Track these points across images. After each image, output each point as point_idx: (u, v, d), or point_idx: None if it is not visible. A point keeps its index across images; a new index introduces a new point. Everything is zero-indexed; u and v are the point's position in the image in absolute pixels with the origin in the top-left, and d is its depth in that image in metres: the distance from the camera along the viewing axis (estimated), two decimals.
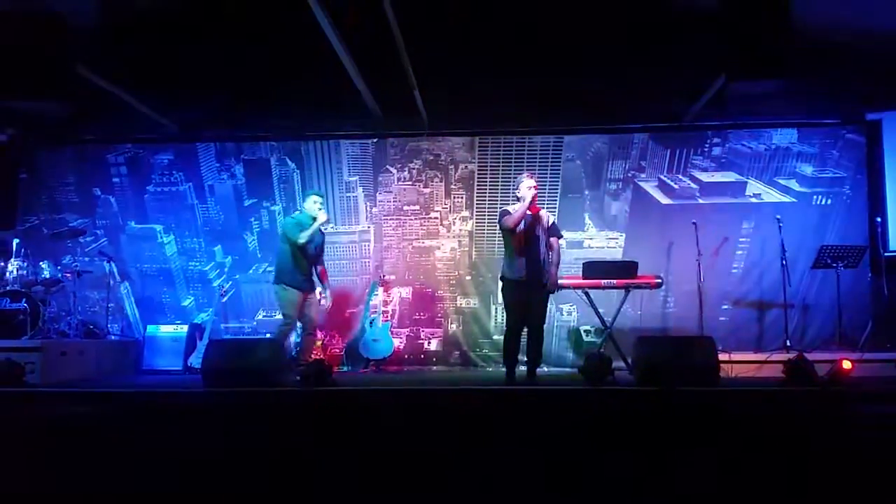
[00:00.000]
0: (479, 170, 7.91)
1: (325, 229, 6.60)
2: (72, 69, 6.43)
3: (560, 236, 6.03)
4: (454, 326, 7.85)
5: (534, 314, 5.84)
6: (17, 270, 6.80)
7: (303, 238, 6.10)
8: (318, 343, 7.28)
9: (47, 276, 6.85)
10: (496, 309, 7.81)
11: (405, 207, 7.97)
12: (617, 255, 7.72)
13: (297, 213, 6.68)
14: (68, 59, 6.30)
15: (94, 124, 7.94)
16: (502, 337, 7.57)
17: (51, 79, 6.61)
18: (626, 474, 3.86)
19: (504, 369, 6.03)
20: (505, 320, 6.12)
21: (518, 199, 5.84)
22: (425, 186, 7.97)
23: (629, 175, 7.82)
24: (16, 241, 7.16)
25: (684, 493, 3.76)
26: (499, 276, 6.09)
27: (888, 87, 7.04)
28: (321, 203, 6.36)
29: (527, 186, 5.75)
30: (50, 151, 8.21)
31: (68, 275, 7.10)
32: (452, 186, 7.96)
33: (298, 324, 6.40)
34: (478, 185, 7.91)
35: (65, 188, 8.17)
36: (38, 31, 6.04)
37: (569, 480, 3.83)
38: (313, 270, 6.42)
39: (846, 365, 5.46)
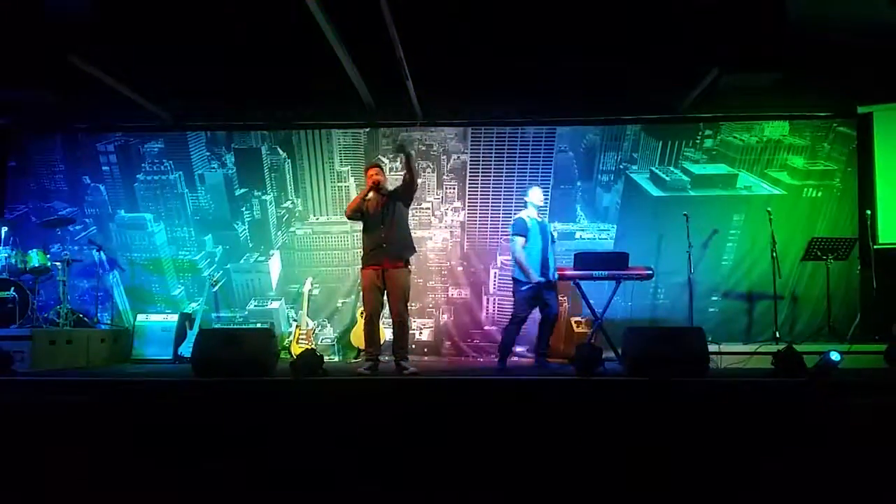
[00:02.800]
0: (471, 160, 7.89)
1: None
2: (62, 58, 6.38)
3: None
4: (445, 317, 7.86)
5: (552, 306, 6.46)
6: (6, 259, 6.76)
7: (347, 210, 5.75)
8: (310, 332, 7.28)
9: (36, 264, 6.81)
10: (487, 300, 7.82)
11: None
12: (608, 246, 7.74)
13: None
14: (59, 48, 6.25)
15: (84, 112, 7.88)
16: (494, 327, 7.66)
17: (41, 67, 6.57)
18: (615, 464, 3.88)
19: (492, 360, 6.09)
20: (514, 312, 6.46)
21: (526, 204, 6.58)
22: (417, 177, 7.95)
23: (621, 167, 7.83)
24: (4, 229, 7.10)
25: (675, 483, 3.78)
26: (512, 276, 6.50)
27: (879, 80, 7.06)
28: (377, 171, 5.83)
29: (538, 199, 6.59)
30: (39, 139, 8.16)
31: (57, 263, 7.05)
32: (444, 177, 7.95)
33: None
34: (470, 176, 7.90)
35: (54, 176, 8.13)
36: (29, 20, 5.98)
37: (559, 470, 3.85)
38: (388, 243, 5.64)
39: (835, 356, 5.51)
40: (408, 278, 5.77)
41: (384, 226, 5.66)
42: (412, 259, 5.93)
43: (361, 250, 5.84)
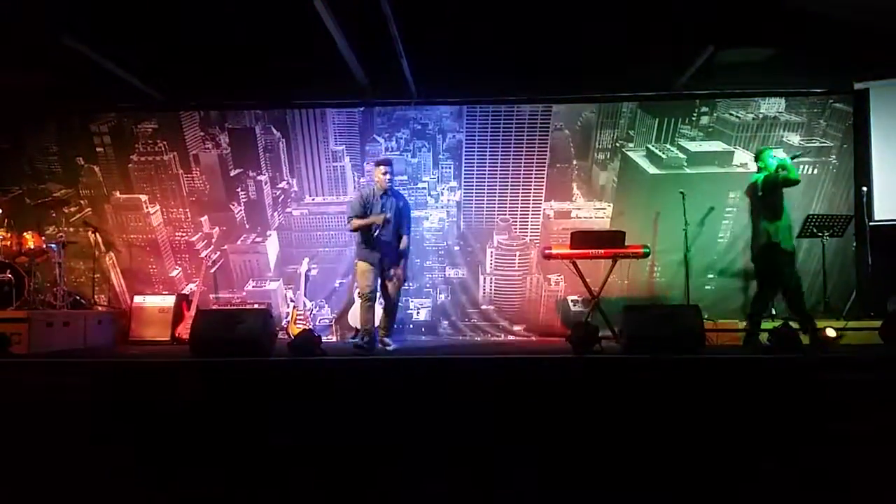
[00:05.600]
0: (467, 139, 7.86)
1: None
2: (54, 37, 6.31)
3: None
4: (443, 296, 7.87)
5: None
6: (1, 241, 6.73)
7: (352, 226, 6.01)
8: (307, 313, 7.30)
9: (31, 246, 6.79)
10: (484, 279, 7.83)
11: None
12: (604, 224, 7.74)
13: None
14: (50, 28, 6.18)
15: (77, 93, 7.80)
16: (491, 307, 7.71)
17: (33, 47, 6.49)
18: (610, 440, 3.91)
19: (489, 339, 6.08)
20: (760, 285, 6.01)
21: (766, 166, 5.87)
22: (413, 156, 7.92)
23: (617, 145, 7.81)
24: None
25: (670, 459, 3.82)
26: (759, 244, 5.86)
27: (876, 56, 7.03)
28: (384, 171, 5.99)
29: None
30: (32, 120, 8.07)
31: (53, 245, 7.03)
32: (440, 156, 7.92)
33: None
34: (466, 155, 7.87)
35: (47, 157, 8.07)
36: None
37: (557, 447, 3.88)
38: (394, 242, 6.01)
39: (830, 333, 5.54)
40: (403, 267, 6.08)
41: (383, 227, 5.90)
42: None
43: (356, 239, 6.09)
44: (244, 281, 7.98)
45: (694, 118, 7.75)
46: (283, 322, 7.21)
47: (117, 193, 8.04)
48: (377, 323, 6.24)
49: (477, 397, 4.16)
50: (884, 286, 6.65)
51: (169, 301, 7.42)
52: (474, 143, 7.84)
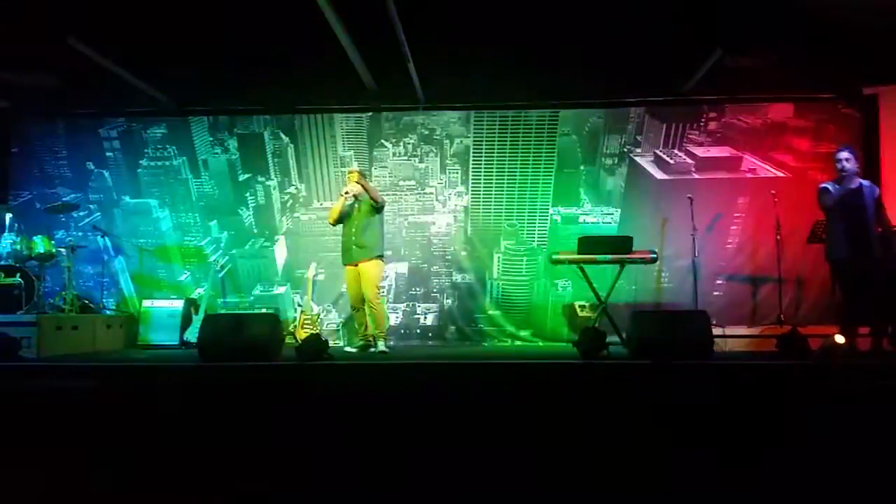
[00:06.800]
0: (474, 144, 7.87)
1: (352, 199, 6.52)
2: (63, 41, 6.36)
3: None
4: (449, 301, 7.87)
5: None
6: (11, 245, 6.77)
7: (331, 219, 6.56)
8: (315, 317, 7.30)
9: (41, 250, 6.82)
10: (491, 284, 7.82)
11: (400, 183, 7.95)
12: (612, 230, 7.73)
13: None
14: (59, 31, 6.22)
15: (86, 97, 7.86)
16: (498, 312, 7.68)
17: (41, 51, 6.53)
18: (617, 447, 3.90)
19: (496, 344, 6.04)
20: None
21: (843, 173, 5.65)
22: (420, 161, 7.94)
23: (625, 150, 7.80)
24: (9, 215, 7.10)
25: (676, 466, 3.80)
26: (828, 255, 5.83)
27: (885, 61, 7.00)
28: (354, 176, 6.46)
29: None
30: (41, 125, 8.14)
31: (62, 249, 7.07)
32: (447, 161, 7.93)
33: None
34: (473, 160, 7.88)
35: (57, 162, 8.13)
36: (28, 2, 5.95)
37: (562, 454, 3.87)
38: (358, 241, 6.36)
39: (839, 339, 5.51)
40: (377, 269, 6.36)
41: (356, 229, 6.34)
42: (384, 253, 6.53)
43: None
44: (252, 285, 8.00)
45: (702, 123, 7.74)
46: (291, 327, 7.22)
47: (127, 198, 8.09)
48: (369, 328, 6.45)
49: (481, 402, 4.15)
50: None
51: (177, 305, 7.45)
52: (482, 149, 7.85)
